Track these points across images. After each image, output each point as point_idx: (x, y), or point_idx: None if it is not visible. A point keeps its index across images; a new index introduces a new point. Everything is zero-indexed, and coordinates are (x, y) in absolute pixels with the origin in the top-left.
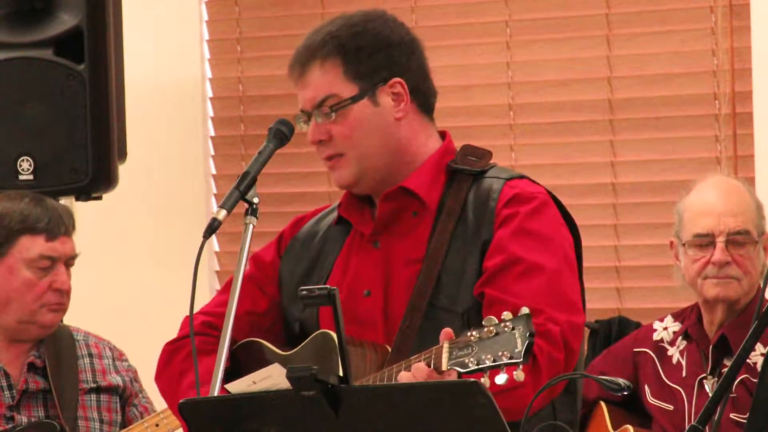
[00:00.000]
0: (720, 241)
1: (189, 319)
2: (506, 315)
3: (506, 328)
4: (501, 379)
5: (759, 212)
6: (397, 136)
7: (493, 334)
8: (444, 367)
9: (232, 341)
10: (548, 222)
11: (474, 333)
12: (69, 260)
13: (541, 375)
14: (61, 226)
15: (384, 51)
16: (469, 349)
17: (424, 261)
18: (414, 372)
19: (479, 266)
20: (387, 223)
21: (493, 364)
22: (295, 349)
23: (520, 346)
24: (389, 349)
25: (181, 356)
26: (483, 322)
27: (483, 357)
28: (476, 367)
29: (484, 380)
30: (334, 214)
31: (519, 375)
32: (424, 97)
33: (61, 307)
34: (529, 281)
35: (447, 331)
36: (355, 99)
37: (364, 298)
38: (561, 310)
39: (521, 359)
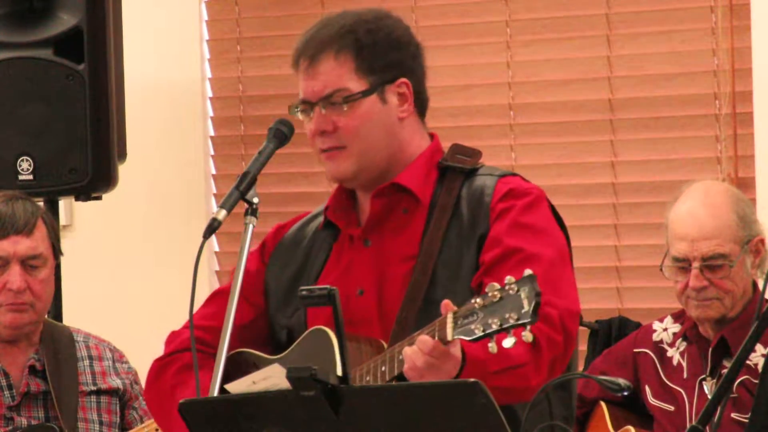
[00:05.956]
0: (695, 267)
1: (175, 335)
2: (509, 279)
3: (511, 291)
4: (509, 342)
5: (742, 223)
6: (399, 136)
7: (497, 298)
8: (449, 337)
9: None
10: (542, 216)
11: (478, 300)
12: (27, 260)
13: (542, 356)
14: (11, 226)
15: (395, 50)
16: (474, 317)
17: (418, 257)
18: (419, 345)
19: (476, 260)
20: (378, 220)
21: (500, 327)
22: (289, 349)
23: (527, 306)
24: (384, 345)
25: (172, 370)
26: (486, 289)
27: (489, 322)
28: (482, 333)
29: (491, 345)
30: (320, 219)
31: (527, 336)
32: (422, 101)
33: (20, 307)
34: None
35: (447, 303)
36: (365, 93)
37: (357, 298)
38: (558, 296)
39: (530, 319)
